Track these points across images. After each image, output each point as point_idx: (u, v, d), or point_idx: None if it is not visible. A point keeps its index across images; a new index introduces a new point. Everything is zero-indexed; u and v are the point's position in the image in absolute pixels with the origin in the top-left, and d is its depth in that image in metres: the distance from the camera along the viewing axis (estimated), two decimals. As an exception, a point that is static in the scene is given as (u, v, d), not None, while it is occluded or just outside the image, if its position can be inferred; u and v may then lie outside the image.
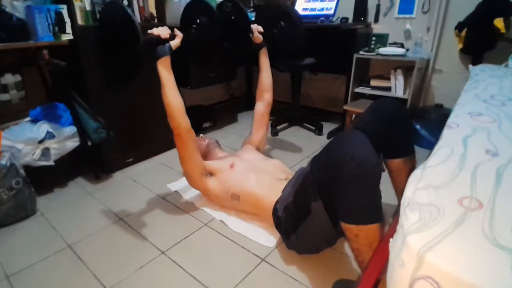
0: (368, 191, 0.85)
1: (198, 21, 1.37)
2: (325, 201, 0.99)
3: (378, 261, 0.72)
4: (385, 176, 0.93)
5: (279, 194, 1.19)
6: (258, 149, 1.65)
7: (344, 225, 0.90)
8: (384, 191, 0.89)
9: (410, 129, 1.32)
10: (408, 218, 0.49)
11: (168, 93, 1.24)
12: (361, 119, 1.21)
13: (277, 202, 1.19)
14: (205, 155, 1.62)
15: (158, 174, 1.85)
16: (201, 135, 1.72)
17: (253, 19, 2.36)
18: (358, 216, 0.87)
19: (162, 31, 1.21)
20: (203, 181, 1.40)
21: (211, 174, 1.41)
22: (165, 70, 1.23)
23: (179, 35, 1.26)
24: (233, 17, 1.53)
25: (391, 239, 0.52)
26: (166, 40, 1.23)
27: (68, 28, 1.52)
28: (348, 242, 0.94)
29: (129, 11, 1.10)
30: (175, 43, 1.25)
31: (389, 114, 1.13)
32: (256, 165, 1.42)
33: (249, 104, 3.18)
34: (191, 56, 1.50)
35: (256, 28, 1.55)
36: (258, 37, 1.57)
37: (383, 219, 0.88)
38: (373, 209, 0.87)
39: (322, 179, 0.98)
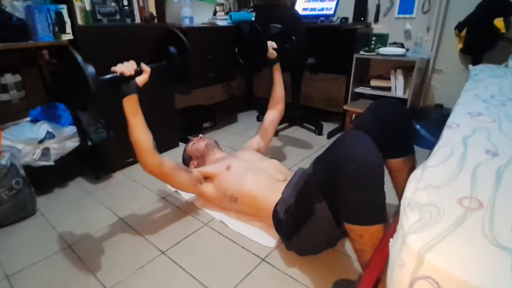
0: (371, 191, 0.85)
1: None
2: (329, 201, 0.98)
3: (378, 261, 0.72)
4: (385, 176, 0.93)
5: (278, 195, 1.19)
6: (258, 151, 1.64)
7: (348, 226, 0.90)
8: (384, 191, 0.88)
9: (410, 129, 1.31)
10: (408, 218, 0.49)
11: (135, 132, 1.16)
12: (361, 119, 1.21)
13: (277, 204, 1.18)
14: (203, 156, 1.62)
15: (158, 174, 1.85)
16: (200, 135, 1.72)
17: (253, 18, 2.36)
18: (362, 217, 0.86)
19: (126, 68, 1.11)
20: (198, 189, 1.42)
21: (206, 178, 1.43)
22: (132, 108, 1.14)
23: (146, 70, 1.16)
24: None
25: (391, 239, 0.52)
26: (131, 77, 1.13)
27: (68, 28, 1.51)
28: (352, 243, 0.93)
29: (81, 64, 1.01)
30: (142, 79, 1.15)
31: (389, 114, 1.13)
32: (254, 165, 1.42)
33: (249, 104, 3.18)
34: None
35: (271, 45, 1.62)
36: (272, 53, 1.64)
37: (387, 219, 0.88)
38: (377, 210, 0.86)
39: (325, 180, 0.97)
